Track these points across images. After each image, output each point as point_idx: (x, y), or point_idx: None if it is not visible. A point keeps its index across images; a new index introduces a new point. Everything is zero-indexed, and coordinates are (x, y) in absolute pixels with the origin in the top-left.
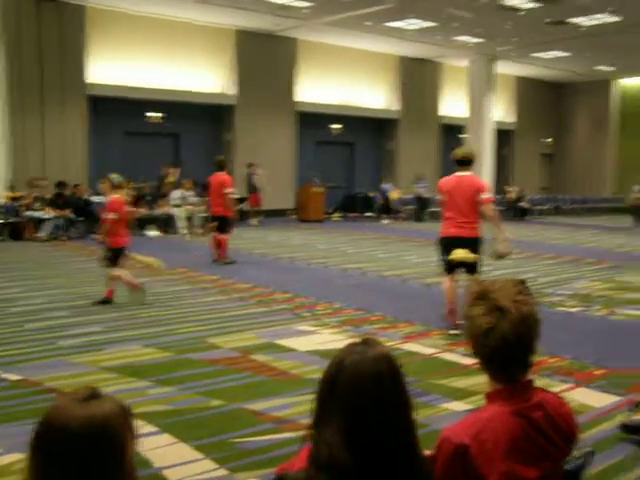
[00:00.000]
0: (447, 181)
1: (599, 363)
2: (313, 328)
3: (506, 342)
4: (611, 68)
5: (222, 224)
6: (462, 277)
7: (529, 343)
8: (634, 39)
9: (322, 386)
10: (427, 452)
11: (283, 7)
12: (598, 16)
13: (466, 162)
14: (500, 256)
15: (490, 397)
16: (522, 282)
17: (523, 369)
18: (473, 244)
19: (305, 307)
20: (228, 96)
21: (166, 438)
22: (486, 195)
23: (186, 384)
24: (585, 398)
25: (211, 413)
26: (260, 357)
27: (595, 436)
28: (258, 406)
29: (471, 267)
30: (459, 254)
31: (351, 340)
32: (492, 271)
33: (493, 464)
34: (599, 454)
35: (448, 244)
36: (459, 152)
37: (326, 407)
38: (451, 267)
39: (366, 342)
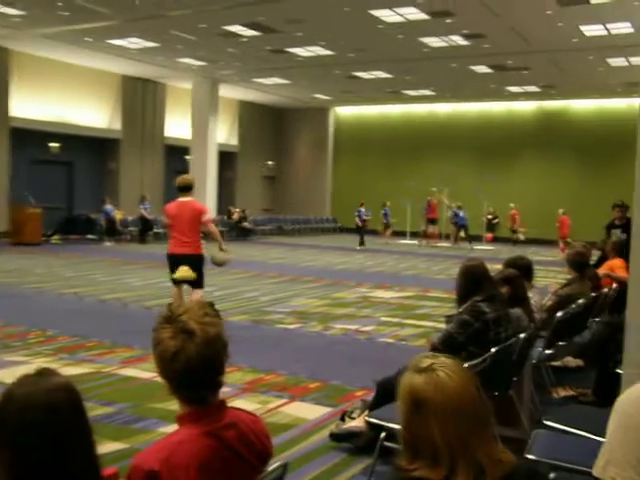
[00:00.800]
0: (171, 206)
1: (314, 377)
2: (24, 358)
3: (193, 365)
4: (327, 97)
5: None
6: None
7: (216, 365)
8: (345, 72)
9: None
10: None
11: None
12: (313, 48)
13: (186, 188)
14: (219, 263)
15: (181, 420)
16: (210, 304)
17: (212, 390)
18: (195, 261)
19: (16, 336)
20: None
21: None
22: (206, 216)
23: None
24: (299, 411)
25: None
26: None
27: (308, 447)
28: None
29: (193, 282)
30: (180, 272)
31: (24, 372)
32: (215, 291)
33: None
34: (312, 462)
35: (174, 260)
36: (179, 180)
37: None
38: (177, 281)
39: (40, 373)
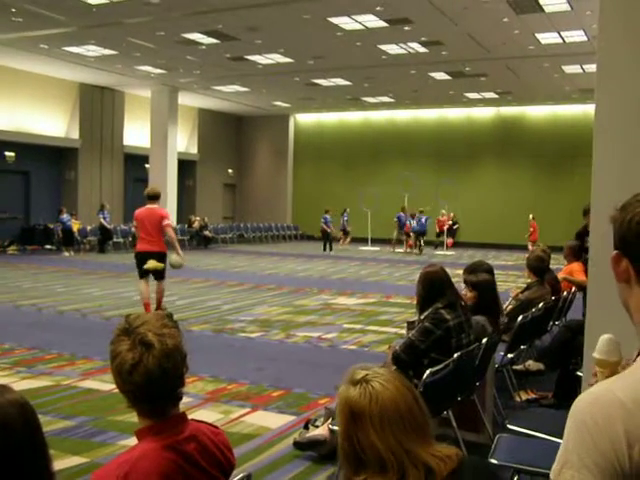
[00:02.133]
0: (140, 211)
1: (276, 385)
2: None
3: (151, 377)
4: (287, 104)
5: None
6: (152, 281)
7: (176, 377)
8: (305, 79)
9: None
10: None
11: None
12: (272, 56)
13: (154, 197)
14: (175, 266)
15: (140, 434)
16: (168, 315)
17: (172, 403)
18: (159, 256)
19: None
20: None
21: None
22: (166, 222)
23: None
24: (263, 420)
25: None
26: None
27: (272, 456)
28: None
29: (159, 274)
30: (150, 264)
31: None
32: (176, 300)
33: None
34: (276, 471)
35: (142, 257)
36: (148, 190)
37: None
38: (144, 273)
39: None
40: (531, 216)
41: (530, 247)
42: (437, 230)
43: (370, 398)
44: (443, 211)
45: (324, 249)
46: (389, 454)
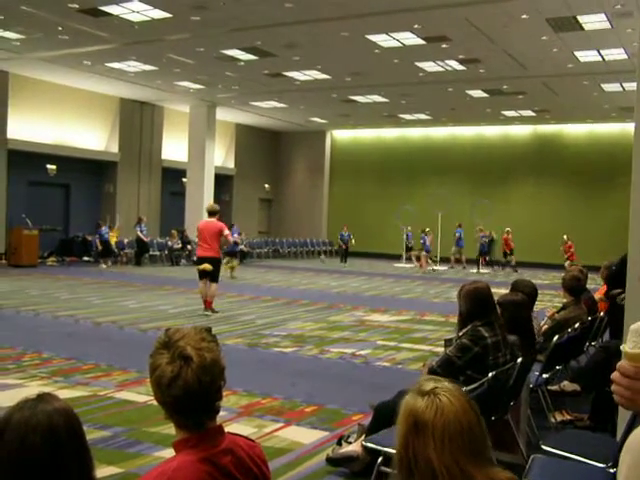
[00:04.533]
0: (202, 223)
1: (309, 401)
2: (19, 381)
3: (189, 390)
4: (324, 120)
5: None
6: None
7: (213, 390)
8: (342, 96)
9: None
10: None
11: None
12: (310, 72)
13: (212, 213)
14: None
15: (177, 446)
16: (207, 330)
17: (209, 416)
18: (214, 261)
19: (10, 359)
20: None
21: None
22: (226, 232)
23: None
24: (295, 436)
25: None
26: None
27: (305, 471)
28: None
29: (212, 276)
30: (203, 266)
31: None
32: (211, 314)
33: None
34: None
35: (200, 260)
36: (207, 207)
37: None
38: (201, 275)
39: (40, 397)
40: (565, 237)
41: (567, 266)
42: (503, 249)
43: (436, 411)
44: (507, 228)
45: (344, 261)
46: (442, 470)
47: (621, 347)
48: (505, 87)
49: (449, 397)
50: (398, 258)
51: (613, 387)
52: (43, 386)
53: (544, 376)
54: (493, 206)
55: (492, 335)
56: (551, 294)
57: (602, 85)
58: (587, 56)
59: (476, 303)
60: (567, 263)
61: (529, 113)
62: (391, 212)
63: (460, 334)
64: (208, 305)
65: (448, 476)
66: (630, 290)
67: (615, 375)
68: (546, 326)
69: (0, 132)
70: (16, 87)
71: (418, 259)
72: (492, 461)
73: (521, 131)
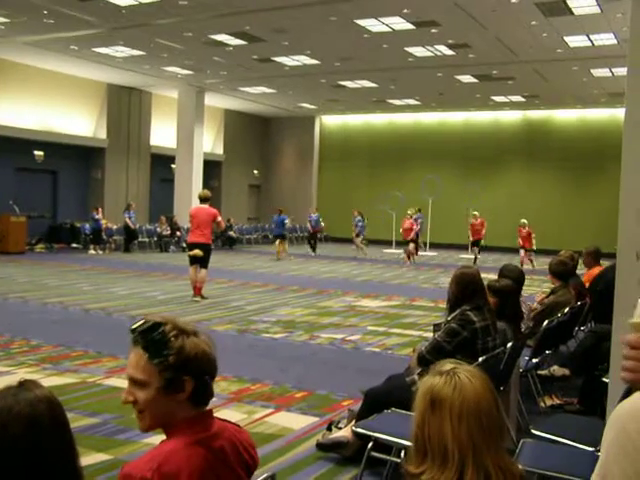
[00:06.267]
0: (194, 209)
1: (299, 386)
2: (7, 369)
3: (206, 352)
4: (313, 106)
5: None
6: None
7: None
8: (331, 81)
9: None
10: None
11: None
12: (298, 57)
13: (204, 199)
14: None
15: (169, 430)
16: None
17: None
18: (205, 247)
19: None
20: None
21: None
22: (219, 218)
23: None
24: (286, 421)
25: None
26: None
27: (295, 457)
28: None
29: (203, 262)
30: (193, 252)
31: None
32: (200, 300)
33: None
34: (299, 472)
35: (192, 246)
36: (200, 194)
37: None
38: (192, 260)
39: (22, 385)
40: (524, 220)
41: (522, 254)
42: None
43: (454, 387)
44: (476, 213)
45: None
46: (455, 447)
47: (629, 321)
48: (494, 72)
49: (469, 377)
50: (389, 244)
51: (622, 363)
52: (32, 373)
53: (534, 361)
54: (483, 191)
55: (481, 319)
56: (540, 279)
57: (591, 70)
58: (576, 41)
59: (465, 287)
60: (522, 251)
61: (519, 98)
62: (381, 197)
63: (449, 318)
64: (198, 292)
65: (459, 456)
66: (620, 273)
67: (624, 351)
68: (537, 309)
69: None
70: (2, 72)
71: (409, 256)
72: (504, 449)
73: (511, 116)
